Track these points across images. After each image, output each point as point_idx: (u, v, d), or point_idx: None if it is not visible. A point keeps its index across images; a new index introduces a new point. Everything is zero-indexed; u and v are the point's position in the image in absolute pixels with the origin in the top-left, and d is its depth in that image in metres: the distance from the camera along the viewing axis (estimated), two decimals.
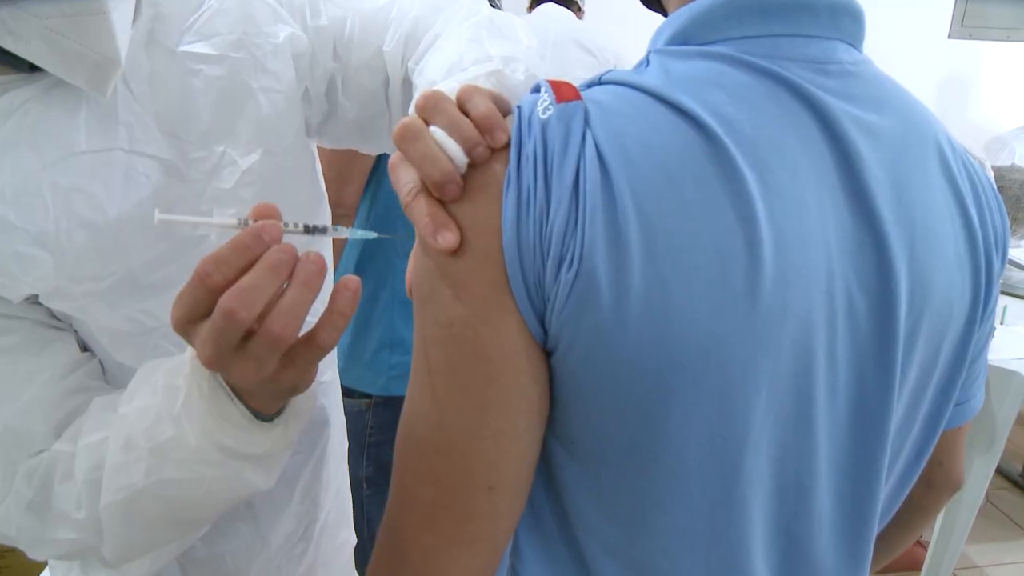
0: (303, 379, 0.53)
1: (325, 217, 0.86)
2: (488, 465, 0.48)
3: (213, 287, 0.46)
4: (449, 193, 0.48)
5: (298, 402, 0.58)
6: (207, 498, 0.57)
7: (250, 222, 0.48)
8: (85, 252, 0.61)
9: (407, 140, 0.49)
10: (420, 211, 0.48)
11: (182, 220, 0.51)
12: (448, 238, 0.47)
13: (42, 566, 0.84)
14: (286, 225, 0.50)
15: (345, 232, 0.53)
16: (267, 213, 0.49)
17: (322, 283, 0.48)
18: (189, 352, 0.55)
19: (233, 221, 0.49)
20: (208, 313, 0.47)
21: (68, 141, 0.59)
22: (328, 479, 0.91)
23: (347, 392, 1.26)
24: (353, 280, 0.49)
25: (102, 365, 0.69)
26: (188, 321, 0.48)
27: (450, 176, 0.48)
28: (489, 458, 0.48)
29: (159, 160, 0.64)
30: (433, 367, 0.49)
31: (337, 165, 1.19)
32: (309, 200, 0.81)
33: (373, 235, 0.52)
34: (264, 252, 0.46)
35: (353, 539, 1.02)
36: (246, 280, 0.46)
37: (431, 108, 0.50)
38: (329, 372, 0.91)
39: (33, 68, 0.57)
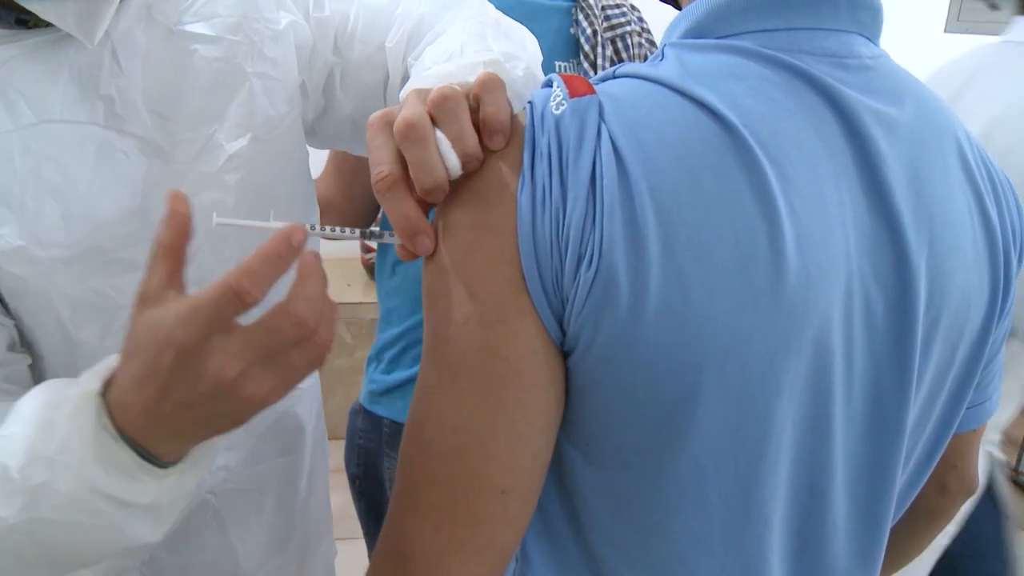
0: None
1: (315, 216, 0.84)
2: (502, 468, 0.47)
3: (251, 303, 0.44)
4: (433, 199, 0.47)
5: (199, 450, 0.52)
6: (84, 546, 0.51)
7: (316, 227, 0.49)
8: (52, 219, 0.59)
9: (411, 141, 0.46)
10: (398, 210, 0.47)
11: (241, 224, 0.49)
12: (426, 244, 0.48)
13: None
14: (342, 230, 0.50)
15: (391, 237, 0.51)
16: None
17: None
18: (77, 385, 0.49)
19: (303, 226, 0.49)
20: (227, 327, 0.44)
21: (44, 107, 0.58)
22: (307, 491, 0.88)
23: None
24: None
25: (42, 362, 0.64)
26: (204, 339, 0.44)
27: (442, 186, 0.47)
28: (503, 461, 0.47)
29: (141, 139, 0.62)
30: (446, 366, 0.48)
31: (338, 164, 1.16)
32: (299, 195, 0.78)
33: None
34: (293, 258, 0.45)
35: (335, 551, 0.99)
36: (303, 291, 0.45)
37: (447, 110, 0.47)
38: (308, 378, 0.86)
39: (20, 23, 0.55)
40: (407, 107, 0.48)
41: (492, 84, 0.49)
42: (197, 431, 0.49)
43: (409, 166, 0.47)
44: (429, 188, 0.46)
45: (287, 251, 0.44)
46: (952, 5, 2.85)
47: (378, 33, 0.72)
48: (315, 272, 0.46)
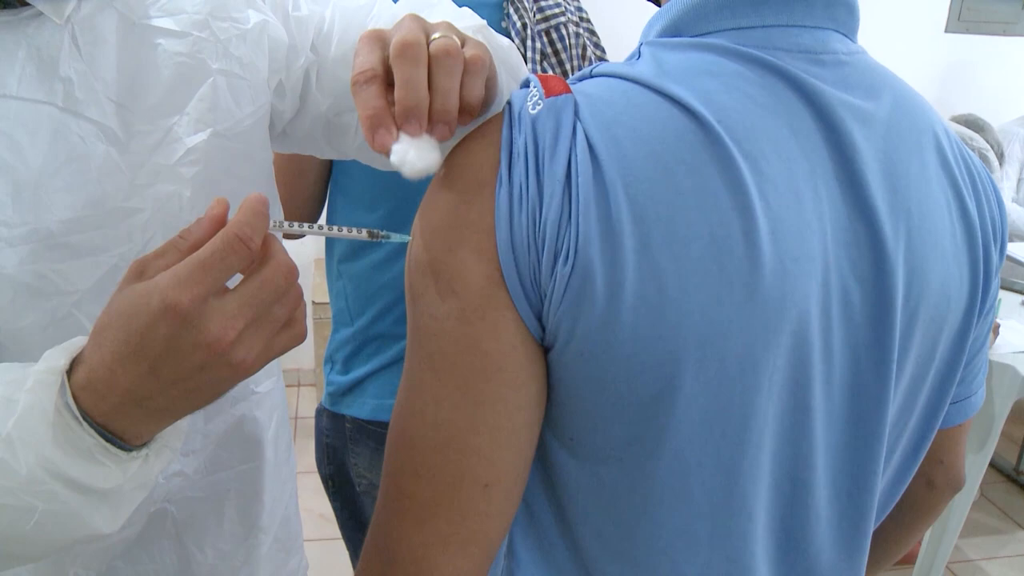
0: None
1: (279, 217, 0.83)
2: (485, 462, 0.48)
3: (254, 251, 0.45)
4: (409, 128, 0.46)
5: (166, 435, 0.51)
6: (35, 534, 0.48)
7: (315, 226, 0.51)
8: None
9: (408, 58, 0.46)
10: (368, 101, 0.46)
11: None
12: (386, 138, 0.46)
13: None
14: (350, 230, 0.50)
15: (399, 237, 0.52)
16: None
17: None
18: (42, 361, 0.47)
19: (363, 232, 0.51)
20: (222, 288, 0.45)
21: (0, 82, 0.57)
22: (272, 502, 0.85)
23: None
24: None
25: None
26: (202, 302, 0.43)
27: (422, 108, 0.46)
28: (486, 455, 0.48)
29: (99, 125, 0.62)
30: (428, 362, 0.48)
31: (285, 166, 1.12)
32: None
33: (408, 239, 0.51)
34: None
35: (306, 565, 0.96)
36: (279, 245, 0.47)
37: (446, 65, 0.47)
38: (268, 382, 0.84)
39: None
40: (406, 29, 0.47)
41: (479, 66, 0.48)
42: (176, 409, 0.48)
43: (396, 83, 0.46)
44: (410, 106, 0.46)
45: (266, 207, 0.45)
46: (953, 5, 2.85)
47: (354, 32, 0.73)
48: (272, 234, 0.48)
